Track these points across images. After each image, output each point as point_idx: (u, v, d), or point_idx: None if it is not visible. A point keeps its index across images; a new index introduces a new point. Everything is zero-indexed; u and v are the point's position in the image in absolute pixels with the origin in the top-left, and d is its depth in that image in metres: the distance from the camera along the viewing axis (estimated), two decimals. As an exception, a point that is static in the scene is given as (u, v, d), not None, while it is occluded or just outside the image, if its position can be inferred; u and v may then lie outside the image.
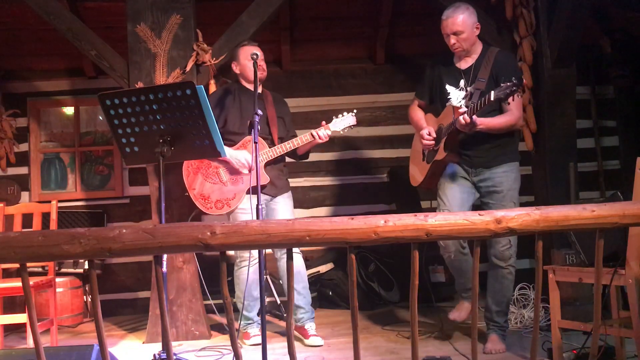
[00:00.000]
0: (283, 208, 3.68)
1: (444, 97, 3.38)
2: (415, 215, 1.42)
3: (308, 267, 4.94)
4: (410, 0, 5.09)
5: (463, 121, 3.05)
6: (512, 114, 3.23)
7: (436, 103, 3.48)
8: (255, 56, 3.03)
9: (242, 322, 3.69)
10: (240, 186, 3.59)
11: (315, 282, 4.94)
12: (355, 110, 3.73)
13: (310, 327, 3.64)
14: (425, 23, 5.31)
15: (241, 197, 3.58)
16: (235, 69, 3.72)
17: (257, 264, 3.41)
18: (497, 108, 3.28)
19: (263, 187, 3.52)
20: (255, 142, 2.88)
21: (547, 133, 4.12)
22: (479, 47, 3.36)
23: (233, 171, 3.60)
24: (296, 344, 3.60)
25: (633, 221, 1.49)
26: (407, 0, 5.10)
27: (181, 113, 2.66)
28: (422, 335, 3.61)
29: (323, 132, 3.58)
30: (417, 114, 3.58)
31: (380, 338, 3.66)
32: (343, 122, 3.66)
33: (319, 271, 4.92)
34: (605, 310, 2.95)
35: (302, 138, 3.59)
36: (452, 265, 3.48)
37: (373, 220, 1.41)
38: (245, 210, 3.56)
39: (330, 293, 4.86)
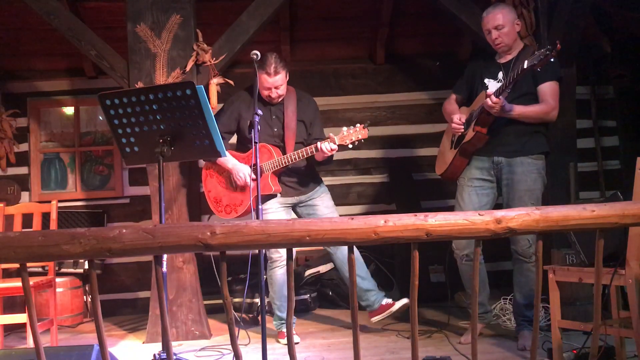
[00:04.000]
0: (321, 206, 3.72)
1: (482, 90, 3.40)
2: (415, 215, 1.42)
3: (308, 267, 4.96)
4: (410, 0, 5.09)
5: (489, 102, 3.11)
6: (547, 104, 3.27)
7: (474, 97, 3.51)
8: (255, 56, 3.04)
9: (275, 322, 3.84)
10: (246, 193, 3.63)
11: (315, 282, 4.94)
12: (368, 122, 3.59)
13: (387, 301, 3.71)
14: (425, 23, 5.32)
15: (247, 203, 3.62)
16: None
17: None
18: (532, 97, 3.30)
19: (274, 195, 3.64)
20: (256, 142, 2.90)
21: (547, 133, 4.11)
22: (519, 45, 3.43)
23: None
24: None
25: (633, 221, 1.49)
26: (407, 0, 5.10)
27: (181, 113, 2.66)
28: (422, 335, 3.60)
29: (326, 146, 3.47)
30: (452, 106, 3.62)
31: (380, 338, 3.66)
32: (351, 136, 3.48)
33: (319, 271, 4.91)
34: (605, 310, 2.95)
35: (307, 150, 3.53)
36: (462, 270, 3.50)
37: (373, 220, 1.41)
38: (268, 210, 3.63)
39: (330, 293, 4.86)
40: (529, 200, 3.27)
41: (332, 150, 3.48)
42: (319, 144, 3.49)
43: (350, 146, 3.50)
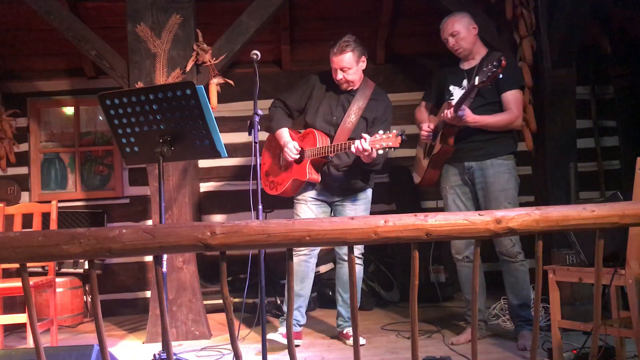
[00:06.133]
0: (349, 213, 3.56)
1: (448, 97, 3.45)
2: (415, 215, 1.42)
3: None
4: (410, 0, 5.08)
5: (449, 114, 3.20)
6: (511, 113, 3.34)
7: (441, 104, 3.53)
8: (255, 56, 3.03)
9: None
10: (288, 174, 3.59)
11: (315, 282, 4.91)
12: (404, 131, 3.20)
13: (349, 331, 3.59)
14: (425, 23, 5.30)
15: (286, 184, 3.58)
16: None
17: (305, 256, 3.58)
18: (497, 105, 3.35)
19: (313, 184, 3.54)
20: (255, 142, 2.90)
21: (547, 133, 4.11)
22: (482, 50, 3.49)
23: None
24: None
25: (633, 221, 1.49)
26: (407, 0, 5.10)
27: (181, 113, 2.66)
28: (422, 335, 3.60)
29: (357, 144, 3.21)
30: (422, 114, 3.69)
31: (380, 338, 3.66)
32: (381, 142, 3.17)
33: (319, 271, 4.91)
34: (605, 310, 2.95)
35: (345, 145, 3.31)
36: (460, 273, 3.52)
37: (373, 220, 1.41)
38: (300, 200, 3.60)
39: (330, 293, 4.85)
40: (505, 200, 3.32)
41: (363, 150, 3.19)
42: (357, 141, 3.23)
43: (381, 152, 3.20)
